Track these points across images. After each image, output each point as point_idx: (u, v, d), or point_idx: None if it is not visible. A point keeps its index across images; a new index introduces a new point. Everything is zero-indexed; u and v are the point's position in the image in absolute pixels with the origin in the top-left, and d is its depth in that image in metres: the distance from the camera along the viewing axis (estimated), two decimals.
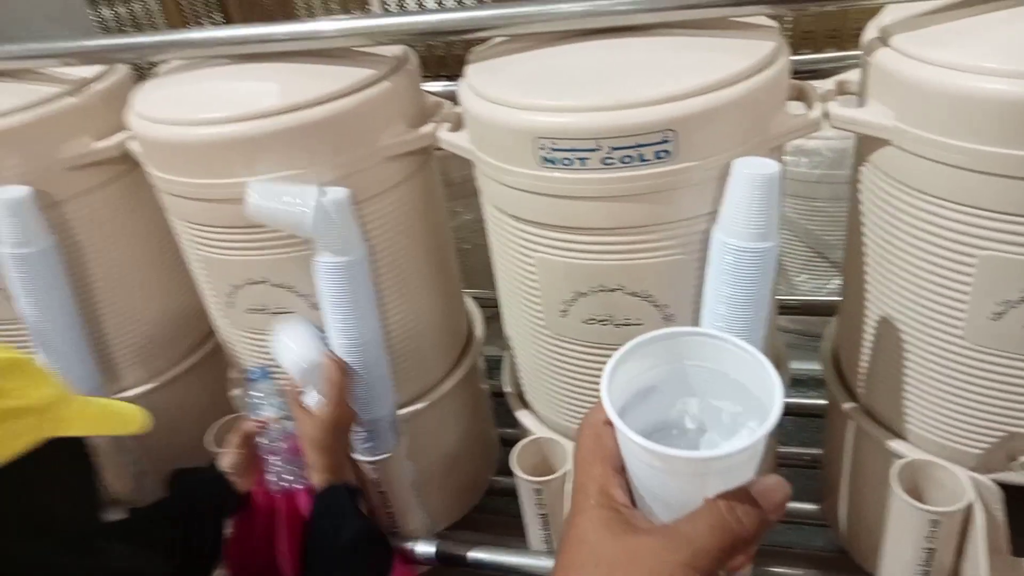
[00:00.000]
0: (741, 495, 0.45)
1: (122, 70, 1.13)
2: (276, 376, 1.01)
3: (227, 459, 1.01)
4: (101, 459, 1.01)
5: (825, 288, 1.62)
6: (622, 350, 0.52)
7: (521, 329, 0.97)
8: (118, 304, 1.17)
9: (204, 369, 1.32)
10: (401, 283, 1.02)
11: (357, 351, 0.95)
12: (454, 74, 0.93)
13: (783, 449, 1.34)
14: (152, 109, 0.90)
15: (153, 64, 1.04)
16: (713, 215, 0.76)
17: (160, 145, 0.90)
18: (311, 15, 2.11)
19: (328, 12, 2.03)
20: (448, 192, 1.15)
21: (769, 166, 0.71)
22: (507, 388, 1.13)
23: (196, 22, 2.05)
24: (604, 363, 0.89)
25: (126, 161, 1.08)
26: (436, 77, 1.02)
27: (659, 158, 0.71)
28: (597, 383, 0.97)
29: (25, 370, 0.66)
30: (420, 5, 1.91)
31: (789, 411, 1.41)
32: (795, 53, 0.82)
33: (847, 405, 0.96)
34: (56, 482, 0.68)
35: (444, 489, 1.23)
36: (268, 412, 1.00)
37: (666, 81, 0.72)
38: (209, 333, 1.33)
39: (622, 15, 0.80)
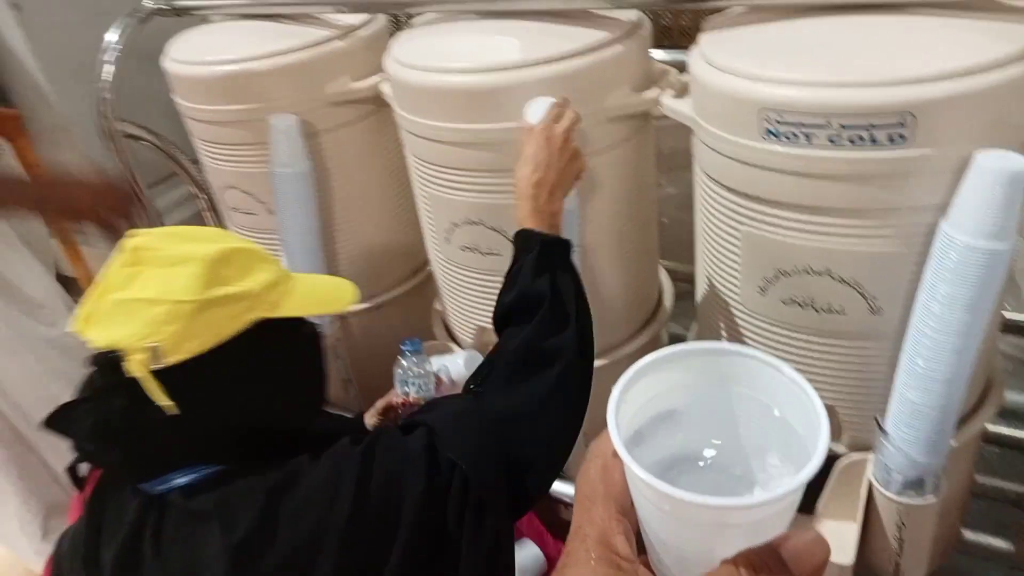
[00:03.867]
0: (767, 556, 0.37)
1: (381, 20, 1.26)
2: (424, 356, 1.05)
3: (369, 419, 1.06)
4: None
5: None
6: (642, 362, 0.43)
7: (714, 302, 0.97)
8: (350, 229, 1.33)
9: (412, 298, 1.45)
10: (604, 238, 1.06)
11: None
12: (677, 44, 0.94)
13: (983, 479, 1.24)
14: (408, 56, 1.01)
15: (409, 16, 1.16)
16: (942, 207, 0.72)
17: (411, 88, 1.00)
18: None
19: None
20: (656, 164, 1.17)
21: (1016, 162, 0.66)
22: None
23: None
24: (797, 347, 0.89)
25: (375, 102, 1.21)
26: (659, 46, 1.03)
27: (892, 142, 0.69)
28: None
29: (242, 258, 0.73)
30: None
31: (997, 441, 1.30)
32: None
33: None
34: (280, 357, 0.76)
35: None
36: (410, 390, 1.04)
37: (908, 61, 0.69)
38: (420, 267, 1.47)
39: None
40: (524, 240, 0.85)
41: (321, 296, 0.81)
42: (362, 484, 0.68)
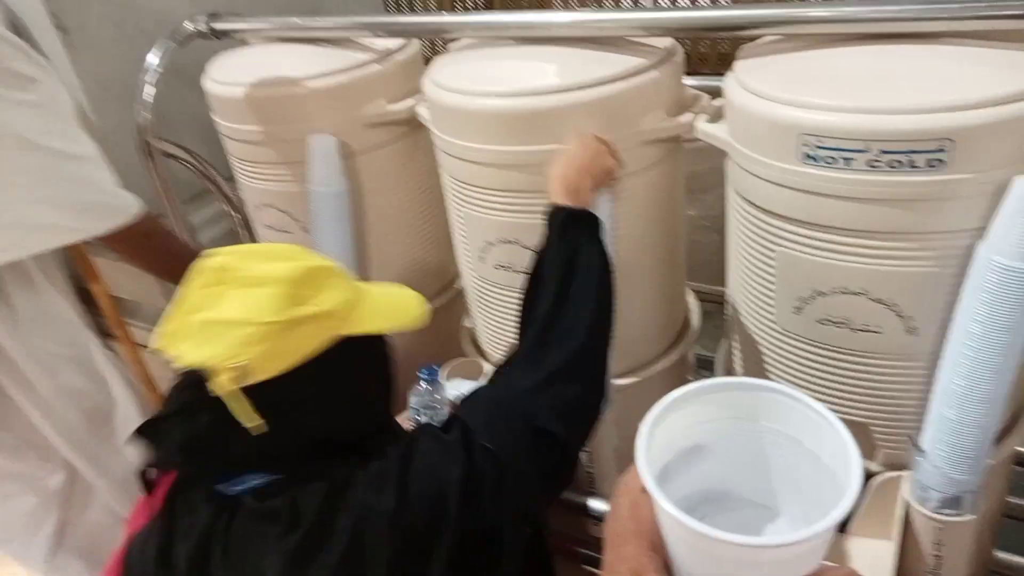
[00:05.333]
0: None
1: (415, 44, 1.29)
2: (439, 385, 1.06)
3: None
4: None
5: None
6: (669, 398, 0.44)
7: (746, 321, 0.99)
8: (382, 247, 1.35)
9: (441, 315, 1.47)
10: (635, 258, 1.08)
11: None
12: (715, 71, 0.97)
13: (1013, 500, 1.24)
14: (448, 80, 1.04)
15: (444, 42, 1.19)
16: (979, 231, 0.74)
17: (451, 111, 1.03)
18: (567, 5, 2.23)
19: (582, 1, 2.13)
20: None
21: None
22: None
23: (463, 6, 2.24)
24: (832, 366, 0.90)
25: (409, 124, 1.24)
26: (696, 73, 1.06)
27: (931, 166, 0.71)
28: (819, 384, 0.97)
29: (319, 275, 0.76)
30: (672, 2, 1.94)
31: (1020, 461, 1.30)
32: None
33: None
34: (357, 371, 0.79)
35: None
36: (422, 418, 1.05)
37: (946, 89, 0.72)
38: (448, 284, 1.49)
39: (908, 22, 0.80)
40: (552, 214, 0.87)
41: (393, 310, 0.84)
42: (403, 479, 0.71)
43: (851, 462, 0.39)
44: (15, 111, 0.98)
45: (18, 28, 1.02)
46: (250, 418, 0.70)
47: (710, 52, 1.45)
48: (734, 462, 0.46)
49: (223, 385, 0.69)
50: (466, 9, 2.20)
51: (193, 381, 0.72)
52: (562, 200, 0.87)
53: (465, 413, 0.77)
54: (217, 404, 0.70)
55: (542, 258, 0.87)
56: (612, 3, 2.02)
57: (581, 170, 0.89)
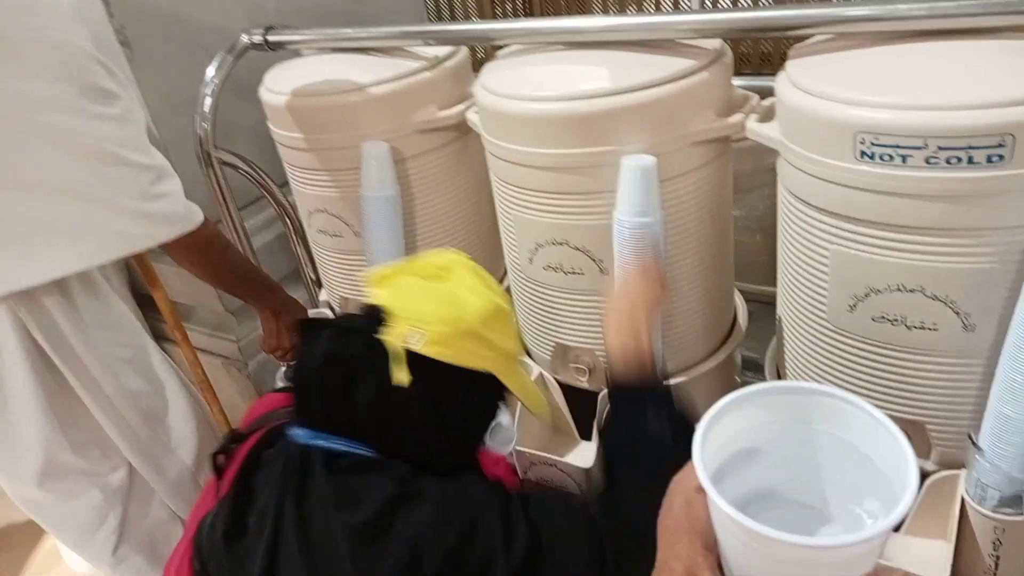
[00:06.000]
0: None
1: (464, 51, 1.32)
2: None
3: None
4: None
5: None
6: (724, 400, 0.44)
7: (799, 319, 0.99)
8: (431, 248, 1.37)
9: None
10: (685, 259, 1.09)
11: None
12: (757, 71, 0.98)
13: None
14: (500, 85, 1.06)
15: (494, 48, 1.21)
16: None
17: (503, 116, 1.05)
18: (606, 9, 2.24)
19: (621, 5, 2.14)
20: None
21: None
22: (769, 378, 1.16)
23: (503, 11, 2.27)
24: (887, 364, 0.90)
25: (459, 129, 1.27)
26: (738, 73, 1.07)
27: (991, 162, 0.71)
28: (873, 382, 0.96)
29: (510, 321, 0.88)
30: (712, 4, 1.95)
31: None
32: None
33: None
34: (482, 405, 0.90)
35: None
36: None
37: (1004, 84, 0.72)
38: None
39: (958, 18, 0.80)
40: (614, 390, 0.90)
41: (530, 391, 0.96)
42: (469, 533, 0.75)
43: (907, 464, 0.39)
44: (99, 124, 1.05)
45: (100, 43, 1.08)
46: (401, 373, 0.78)
47: (752, 52, 1.45)
48: (786, 464, 0.47)
49: (396, 337, 0.78)
50: (506, 15, 2.23)
51: (363, 325, 0.81)
52: (621, 349, 0.88)
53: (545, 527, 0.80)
54: (371, 351, 0.79)
55: (611, 442, 0.93)
56: (651, 5, 2.02)
57: (634, 308, 0.92)
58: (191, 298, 1.70)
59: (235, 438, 0.93)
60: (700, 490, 0.41)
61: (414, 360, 0.79)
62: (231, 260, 1.26)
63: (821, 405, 0.44)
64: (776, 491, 0.48)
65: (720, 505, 0.39)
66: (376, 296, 0.84)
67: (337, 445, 0.81)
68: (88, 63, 1.04)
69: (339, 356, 0.81)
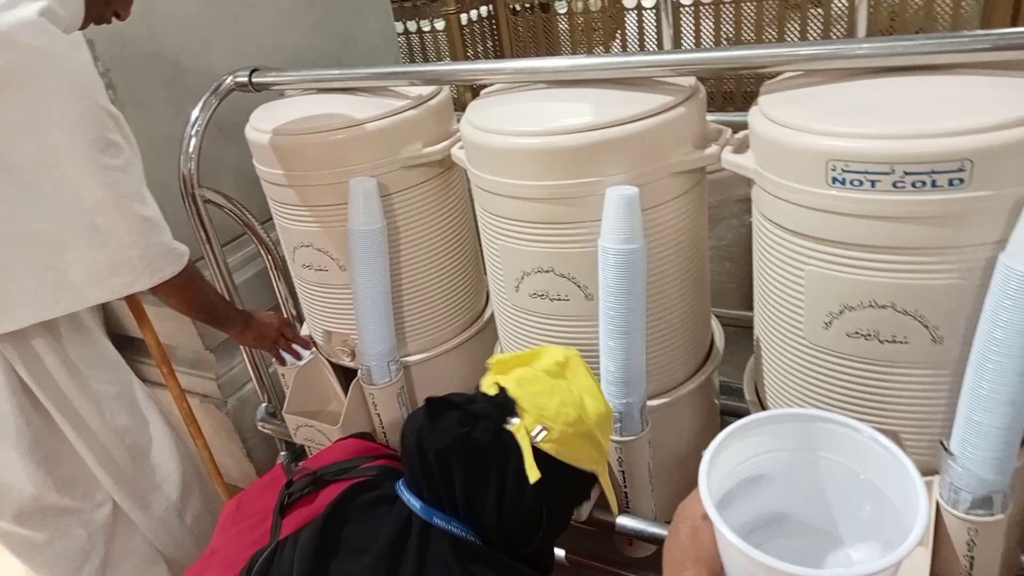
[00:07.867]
0: None
1: (446, 90, 1.37)
2: None
3: None
4: None
5: None
6: (731, 428, 0.45)
7: (776, 338, 1.04)
8: (415, 282, 1.41)
9: (471, 346, 1.52)
10: (665, 283, 1.14)
11: (624, 337, 1.08)
12: (741, 108, 1.04)
13: None
14: (486, 121, 1.11)
15: (475, 88, 1.26)
16: (1000, 242, 0.80)
17: (490, 150, 1.10)
18: (574, 50, 2.33)
19: (589, 46, 2.24)
20: None
21: None
22: (748, 396, 1.21)
23: (475, 52, 2.35)
24: (861, 377, 0.95)
25: (443, 165, 1.31)
26: (722, 110, 1.14)
27: (952, 185, 0.77)
28: (849, 394, 1.02)
29: (611, 424, 0.94)
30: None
31: None
32: None
33: None
34: (572, 501, 0.95)
35: (670, 486, 1.32)
36: None
37: (962, 114, 0.79)
38: (477, 317, 1.55)
39: (920, 55, 0.87)
40: None
41: (611, 489, 1.01)
42: None
43: (917, 497, 0.39)
44: (107, 175, 1.09)
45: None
46: (534, 470, 0.81)
47: (715, 91, 1.53)
48: (793, 491, 0.47)
49: (523, 432, 0.82)
50: (477, 57, 2.30)
51: (488, 411, 0.85)
52: None
53: None
54: (498, 440, 0.83)
55: None
56: (618, 46, 2.11)
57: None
58: (170, 337, 1.69)
59: (315, 480, 0.95)
60: (706, 518, 0.42)
61: (537, 455, 0.83)
62: (204, 291, 1.29)
63: (826, 432, 0.45)
64: (787, 515, 0.48)
65: (726, 534, 0.39)
66: (499, 383, 0.88)
67: (454, 528, 0.85)
68: (101, 115, 1.07)
69: (466, 441, 0.84)
